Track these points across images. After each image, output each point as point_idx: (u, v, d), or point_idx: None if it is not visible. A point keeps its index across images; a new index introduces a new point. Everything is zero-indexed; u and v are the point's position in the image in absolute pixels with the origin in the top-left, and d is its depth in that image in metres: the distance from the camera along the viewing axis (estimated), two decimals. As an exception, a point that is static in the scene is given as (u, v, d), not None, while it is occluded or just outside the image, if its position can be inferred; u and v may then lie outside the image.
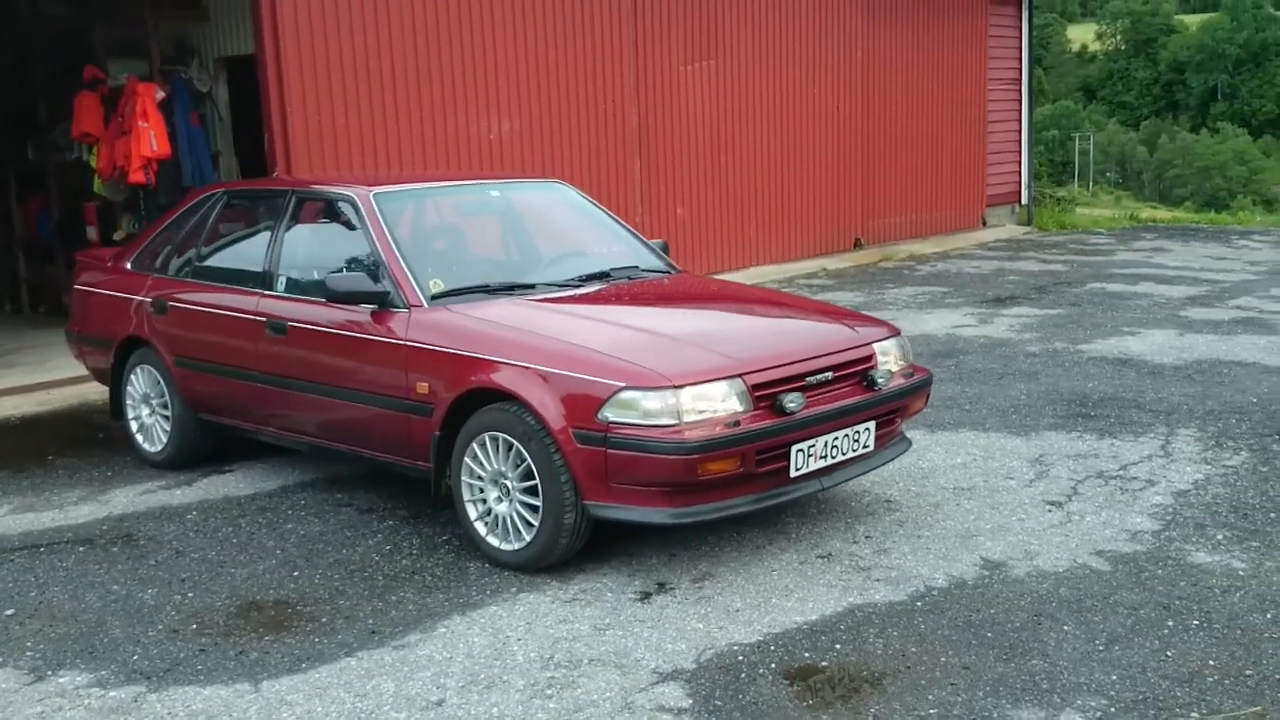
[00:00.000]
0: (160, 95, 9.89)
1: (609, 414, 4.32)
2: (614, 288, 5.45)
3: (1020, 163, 16.65)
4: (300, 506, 5.54)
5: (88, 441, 6.94)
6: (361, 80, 9.39)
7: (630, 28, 11.34)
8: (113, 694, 3.79)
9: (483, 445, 4.67)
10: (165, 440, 6.20)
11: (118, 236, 10.85)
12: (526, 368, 4.53)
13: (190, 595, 4.56)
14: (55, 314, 11.23)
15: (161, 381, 6.15)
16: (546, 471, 4.46)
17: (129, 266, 6.45)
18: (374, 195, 5.39)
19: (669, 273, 5.79)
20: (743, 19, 12.40)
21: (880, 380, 4.83)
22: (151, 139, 9.74)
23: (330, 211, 5.65)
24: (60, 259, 11.53)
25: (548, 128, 10.77)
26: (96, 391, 8.00)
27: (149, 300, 6.15)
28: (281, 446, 5.95)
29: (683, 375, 4.35)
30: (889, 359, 5.01)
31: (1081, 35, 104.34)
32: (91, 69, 10.23)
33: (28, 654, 4.10)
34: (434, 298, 5.03)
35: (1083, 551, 4.72)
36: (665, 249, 6.10)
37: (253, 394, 5.66)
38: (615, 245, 5.93)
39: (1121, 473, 5.65)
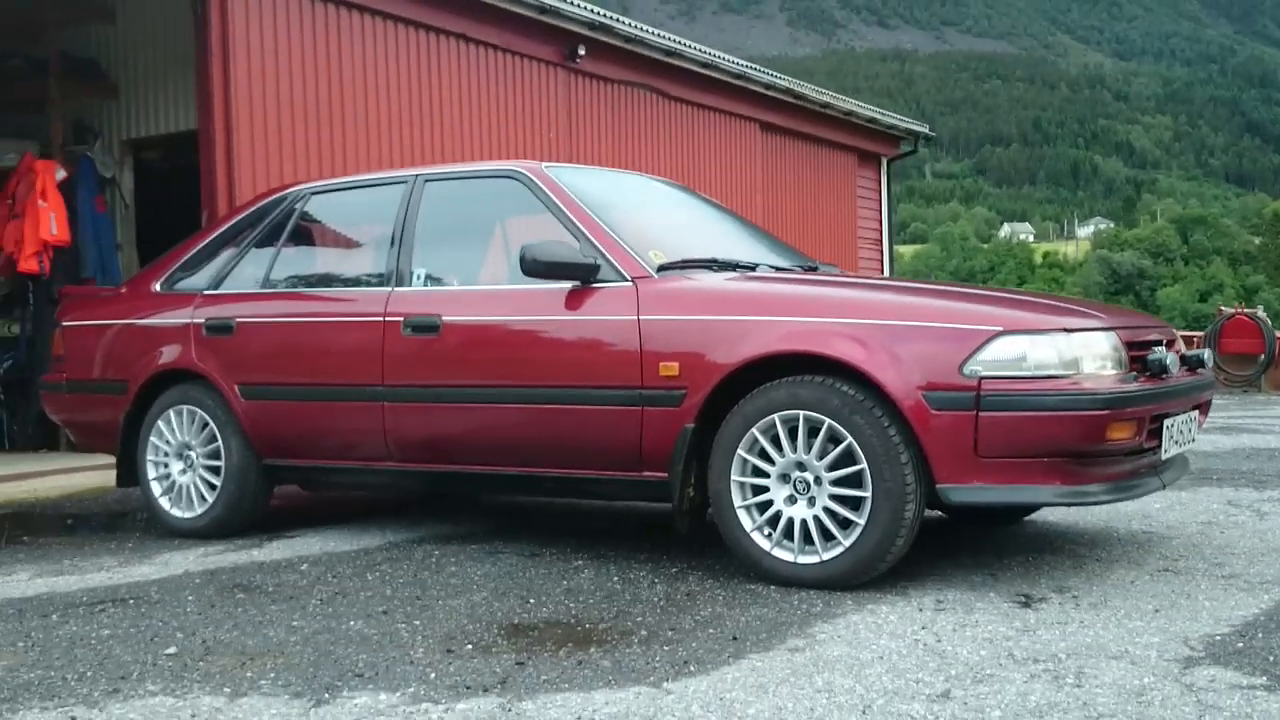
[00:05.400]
0: (61, 175, 8.55)
1: (979, 368, 3.45)
2: (841, 274, 4.61)
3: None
4: (437, 556, 4.33)
5: (56, 527, 5.46)
6: (314, 162, 8.35)
7: (566, 138, 10.74)
8: (462, 706, 2.58)
9: (767, 431, 3.70)
10: (211, 499, 4.85)
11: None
12: (845, 323, 3.63)
13: (417, 624, 3.33)
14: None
15: (212, 423, 4.85)
16: (880, 452, 3.51)
17: (157, 289, 5.17)
18: (545, 168, 4.47)
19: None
20: (661, 138, 12.01)
21: (1206, 363, 4.16)
22: (51, 222, 8.37)
23: (478, 196, 4.66)
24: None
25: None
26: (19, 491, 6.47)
27: (201, 321, 4.89)
28: (336, 508, 4.76)
29: (1068, 320, 3.56)
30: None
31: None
32: (-34, 146, 8.79)
33: (262, 682, 2.82)
34: (660, 269, 4.09)
35: None
36: None
37: (371, 417, 4.46)
38: (755, 238, 5.09)
39: None
